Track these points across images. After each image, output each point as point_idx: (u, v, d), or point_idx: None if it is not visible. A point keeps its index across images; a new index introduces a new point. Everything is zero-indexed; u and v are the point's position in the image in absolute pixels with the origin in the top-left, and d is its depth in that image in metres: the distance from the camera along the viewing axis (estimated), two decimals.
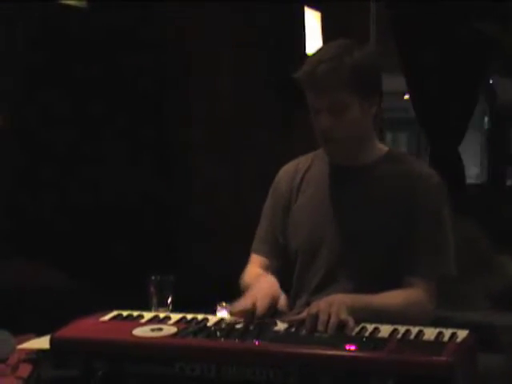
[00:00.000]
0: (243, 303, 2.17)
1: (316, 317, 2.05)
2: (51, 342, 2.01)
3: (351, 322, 2.05)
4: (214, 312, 2.51)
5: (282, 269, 2.52)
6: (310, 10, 4.92)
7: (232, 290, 2.47)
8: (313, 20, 4.96)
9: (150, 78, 4.65)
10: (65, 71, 4.40)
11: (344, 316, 2.06)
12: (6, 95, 4.26)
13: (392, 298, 2.29)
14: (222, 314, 2.40)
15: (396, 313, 2.24)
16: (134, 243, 4.46)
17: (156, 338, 1.97)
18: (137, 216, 4.51)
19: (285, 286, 2.48)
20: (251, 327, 2.05)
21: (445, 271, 2.36)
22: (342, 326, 2.04)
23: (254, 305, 2.15)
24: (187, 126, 4.75)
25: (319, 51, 2.40)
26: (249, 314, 2.13)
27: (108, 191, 4.50)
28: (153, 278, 2.44)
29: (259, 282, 2.36)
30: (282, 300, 2.25)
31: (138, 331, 2.00)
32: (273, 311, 2.21)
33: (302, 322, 2.08)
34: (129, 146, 4.60)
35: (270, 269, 2.51)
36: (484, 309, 3.90)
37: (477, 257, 4.21)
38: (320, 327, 2.02)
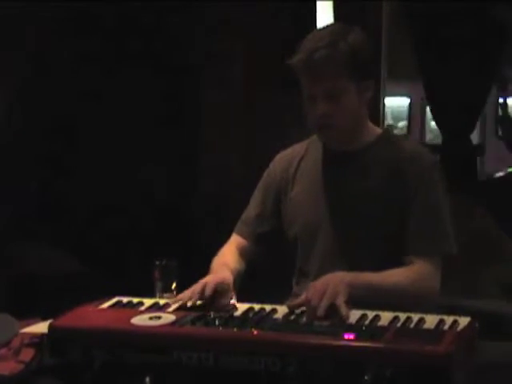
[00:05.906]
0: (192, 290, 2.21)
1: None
2: (49, 330, 2.02)
3: (343, 308, 2.03)
4: None
5: (260, 255, 2.54)
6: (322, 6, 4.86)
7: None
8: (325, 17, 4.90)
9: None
10: None
11: (339, 299, 2.05)
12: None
13: (393, 275, 2.29)
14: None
15: (397, 290, 2.25)
16: (142, 229, 4.45)
17: (154, 326, 1.97)
18: (145, 201, 4.50)
19: (281, 271, 2.50)
20: (250, 315, 2.05)
21: (443, 248, 2.35)
22: (335, 309, 2.04)
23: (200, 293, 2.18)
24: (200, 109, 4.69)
25: (313, 37, 2.35)
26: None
27: (115, 181, 4.48)
28: (157, 262, 2.42)
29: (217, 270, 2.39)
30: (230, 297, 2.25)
31: (137, 320, 2.00)
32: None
33: (300, 306, 2.10)
34: (138, 124, 4.55)
35: (246, 252, 2.53)
36: (494, 297, 3.87)
37: (488, 245, 4.18)
38: (311, 314, 2.03)
